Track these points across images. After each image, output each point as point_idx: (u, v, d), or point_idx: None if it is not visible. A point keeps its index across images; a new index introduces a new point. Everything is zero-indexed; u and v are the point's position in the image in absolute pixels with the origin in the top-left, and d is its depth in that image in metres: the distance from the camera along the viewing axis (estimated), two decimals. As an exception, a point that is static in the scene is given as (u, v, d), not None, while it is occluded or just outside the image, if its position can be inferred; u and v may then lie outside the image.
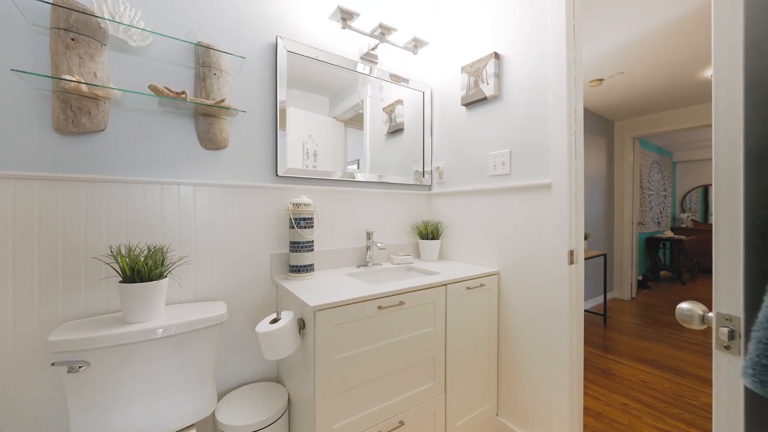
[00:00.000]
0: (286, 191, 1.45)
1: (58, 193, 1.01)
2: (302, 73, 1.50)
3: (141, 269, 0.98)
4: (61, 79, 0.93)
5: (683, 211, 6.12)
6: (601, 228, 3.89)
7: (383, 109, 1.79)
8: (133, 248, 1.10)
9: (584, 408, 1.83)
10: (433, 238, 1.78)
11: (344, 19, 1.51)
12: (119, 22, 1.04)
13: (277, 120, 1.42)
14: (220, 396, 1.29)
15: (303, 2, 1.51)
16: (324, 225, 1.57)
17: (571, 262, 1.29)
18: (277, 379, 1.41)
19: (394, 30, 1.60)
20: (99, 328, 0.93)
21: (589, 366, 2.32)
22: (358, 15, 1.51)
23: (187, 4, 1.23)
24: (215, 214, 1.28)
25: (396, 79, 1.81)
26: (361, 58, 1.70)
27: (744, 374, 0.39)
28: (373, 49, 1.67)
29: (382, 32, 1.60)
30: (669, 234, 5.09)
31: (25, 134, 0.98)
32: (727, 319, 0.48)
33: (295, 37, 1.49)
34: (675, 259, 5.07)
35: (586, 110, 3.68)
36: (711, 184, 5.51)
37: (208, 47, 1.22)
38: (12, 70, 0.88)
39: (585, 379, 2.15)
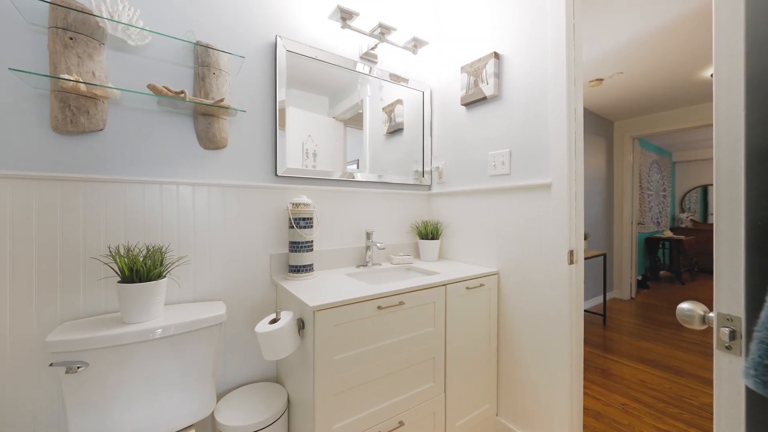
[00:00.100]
0: (286, 191, 1.45)
1: (56, 193, 1.01)
2: (302, 73, 1.50)
3: (140, 269, 0.98)
4: (59, 78, 0.92)
5: (683, 211, 6.12)
6: (600, 228, 3.89)
7: (383, 108, 1.78)
8: (131, 248, 1.10)
9: (584, 408, 1.83)
10: (432, 238, 1.78)
11: (344, 19, 1.51)
12: (118, 21, 1.03)
13: (276, 120, 1.41)
14: (220, 396, 1.29)
15: (302, 2, 1.51)
16: (323, 225, 1.56)
17: (571, 262, 1.29)
18: (277, 380, 1.41)
19: (394, 30, 1.60)
20: (97, 329, 0.93)
21: (589, 366, 2.32)
22: (357, 14, 1.51)
23: (186, 3, 1.23)
24: (214, 214, 1.28)
25: (396, 78, 1.80)
26: (361, 57, 1.69)
27: (746, 375, 0.39)
28: (372, 48, 1.67)
29: (382, 32, 1.60)
30: (668, 234, 5.10)
31: (23, 134, 0.98)
32: (728, 319, 0.48)
33: (294, 36, 1.49)
34: (674, 259, 5.08)
35: (585, 110, 3.68)
36: (710, 184, 5.53)
37: (207, 46, 1.21)
38: (10, 69, 0.88)
39: (585, 379, 2.15)
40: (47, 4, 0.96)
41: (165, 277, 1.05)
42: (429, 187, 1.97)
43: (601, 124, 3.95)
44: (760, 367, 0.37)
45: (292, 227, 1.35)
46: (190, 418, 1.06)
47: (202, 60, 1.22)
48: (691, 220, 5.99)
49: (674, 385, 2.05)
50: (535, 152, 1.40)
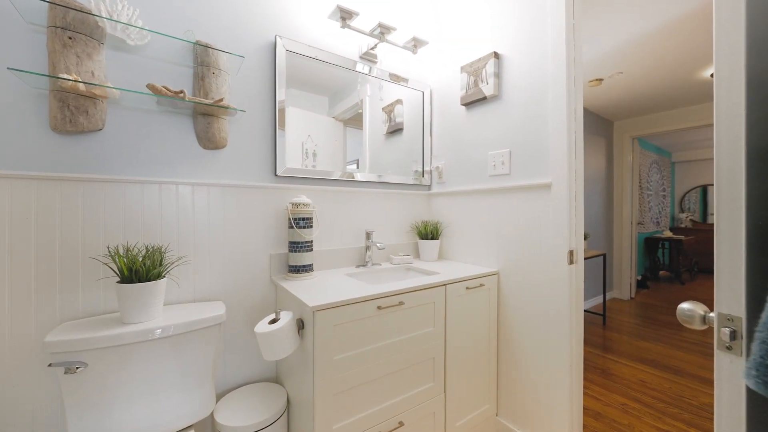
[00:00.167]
0: (285, 191, 1.44)
1: (55, 192, 1.01)
2: (301, 73, 1.49)
3: (139, 269, 0.97)
4: (58, 77, 0.92)
5: (682, 211, 6.13)
6: (600, 228, 3.90)
7: (383, 108, 1.78)
8: (131, 248, 1.09)
9: (584, 408, 1.83)
10: (432, 238, 1.78)
11: (343, 19, 1.51)
12: (117, 21, 1.03)
13: (276, 119, 1.41)
14: (219, 396, 1.28)
15: (302, 1, 1.51)
16: (323, 225, 1.56)
17: (571, 262, 1.29)
18: (276, 380, 1.41)
19: (394, 29, 1.60)
20: (96, 329, 0.93)
21: (589, 366, 2.32)
22: (357, 14, 1.51)
23: (185, 2, 1.22)
24: (214, 214, 1.28)
25: (395, 78, 1.80)
26: (361, 57, 1.69)
27: (747, 375, 0.39)
28: (372, 48, 1.67)
29: (382, 32, 1.59)
30: (668, 234, 5.10)
31: (22, 133, 0.97)
32: (728, 319, 0.48)
33: (294, 36, 1.48)
34: (674, 259, 5.08)
35: (585, 110, 3.68)
36: (710, 185, 5.53)
37: (206, 46, 1.21)
38: (9, 68, 0.88)
39: (584, 379, 2.15)
40: (46, 3, 0.95)
41: (164, 277, 1.05)
42: (429, 187, 1.97)
43: (600, 124, 3.95)
44: (761, 367, 0.37)
45: (291, 227, 1.35)
46: (190, 418, 1.06)
47: (202, 60, 1.22)
48: (690, 220, 5.99)
49: (674, 385, 2.05)
50: (535, 152, 1.40)
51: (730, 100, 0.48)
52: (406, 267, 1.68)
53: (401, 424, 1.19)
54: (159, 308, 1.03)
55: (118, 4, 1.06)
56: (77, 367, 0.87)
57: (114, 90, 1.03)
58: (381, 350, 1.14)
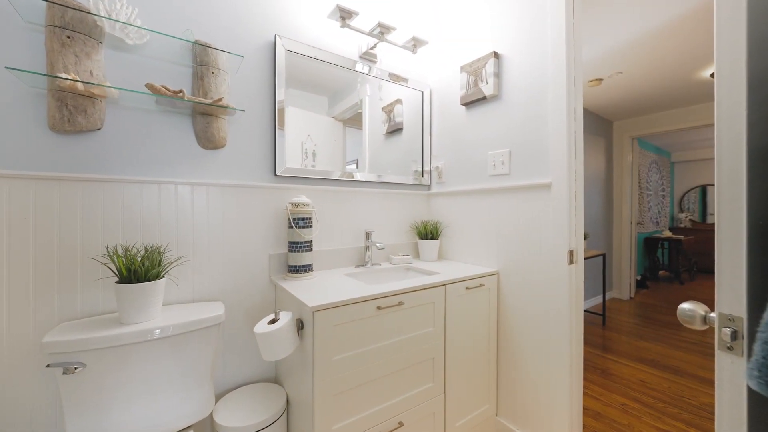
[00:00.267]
0: (285, 191, 1.44)
1: (53, 192, 1.00)
2: (301, 73, 1.49)
3: (138, 269, 0.97)
4: (56, 77, 0.92)
5: (681, 211, 6.13)
6: (599, 228, 3.90)
7: (382, 108, 1.78)
8: (129, 248, 1.09)
9: (584, 408, 1.83)
10: (432, 238, 1.78)
11: (343, 18, 1.50)
12: (116, 20, 1.03)
13: (275, 119, 1.41)
14: (218, 397, 1.28)
15: (302, 1, 1.50)
16: (323, 225, 1.56)
17: (571, 262, 1.29)
18: (276, 380, 1.40)
19: (393, 29, 1.60)
20: (95, 329, 0.92)
21: (589, 366, 2.32)
22: (357, 14, 1.50)
23: (185, 2, 1.22)
24: (213, 214, 1.27)
25: (395, 78, 1.80)
26: (360, 57, 1.69)
27: (749, 376, 0.38)
28: (372, 48, 1.67)
29: (381, 31, 1.59)
30: (667, 234, 5.11)
31: (20, 133, 0.97)
32: (729, 319, 0.48)
33: (293, 35, 1.48)
34: (673, 259, 5.09)
35: (584, 110, 3.68)
36: (709, 185, 5.52)
37: (206, 45, 1.21)
38: (6, 68, 0.87)
39: (584, 379, 2.15)
40: (44, 2, 0.95)
41: (163, 277, 1.04)
42: (428, 186, 1.97)
43: (600, 124, 3.95)
44: (764, 368, 0.37)
45: (291, 227, 1.34)
46: (189, 418, 1.05)
47: (201, 59, 1.21)
48: (690, 220, 6.00)
49: (674, 385, 2.05)
50: (535, 152, 1.39)
51: (731, 99, 0.48)
52: (406, 267, 1.68)
53: (401, 424, 1.19)
54: (158, 308, 1.03)
55: (116, 3, 1.05)
56: (75, 368, 0.86)
57: (113, 89, 1.03)
58: (381, 350, 1.13)
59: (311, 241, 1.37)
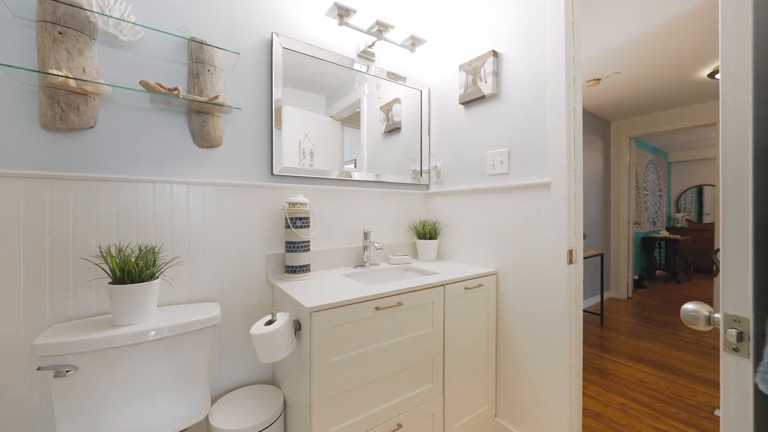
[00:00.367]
0: (282, 190, 1.42)
1: (45, 191, 0.98)
2: (298, 71, 1.47)
3: (131, 270, 0.95)
4: (47, 73, 0.90)
5: (678, 210, 6.16)
6: (597, 228, 3.90)
7: (380, 107, 1.77)
8: (123, 248, 1.07)
9: (582, 408, 1.82)
10: (430, 238, 1.76)
11: (341, 16, 1.49)
12: (109, 16, 1.01)
13: (272, 118, 1.39)
14: (214, 399, 1.26)
15: (299, -2, 1.49)
16: (320, 225, 1.54)
17: (570, 262, 1.28)
18: (273, 382, 1.39)
19: (392, 27, 1.58)
20: (87, 331, 0.90)
21: (587, 366, 2.32)
22: (355, 12, 1.49)
23: (180, -2, 1.20)
24: (209, 214, 1.26)
25: (393, 77, 1.79)
26: (358, 55, 1.68)
27: (762, 379, 0.37)
28: (370, 46, 1.65)
29: (380, 29, 1.58)
30: (665, 234, 5.13)
31: (11, 131, 0.95)
32: (735, 320, 0.47)
33: (290, 33, 1.46)
34: (670, 259, 5.11)
35: (582, 110, 3.69)
36: (706, 185, 5.53)
37: (201, 43, 1.19)
38: (-4, 64, 0.85)
39: (583, 379, 2.14)
40: (35, -3, 0.93)
41: (158, 278, 1.03)
42: (427, 186, 1.96)
43: (598, 124, 3.95)
44: (774, 370, 0.36)
45: (288, 227, 1.33)
46: (184, 421, 1.03)
47: (196, 56, 1.19)
48: (686, 219, 6.03)
49: (672, 385, 2.05)
50: (534, 151, 1.39)
51: (736, 96, 0.47)
52: (404, 267, 1.66)
53: (399, 426, 1.18)
54: (152, 310, 1.01)
55: (110, -2, 1.03)
56: (67, 371, 0.84)
57: (106, 87, 1.01)
58: (379, 352, 1.12)
59: (309, 241, 1.36)
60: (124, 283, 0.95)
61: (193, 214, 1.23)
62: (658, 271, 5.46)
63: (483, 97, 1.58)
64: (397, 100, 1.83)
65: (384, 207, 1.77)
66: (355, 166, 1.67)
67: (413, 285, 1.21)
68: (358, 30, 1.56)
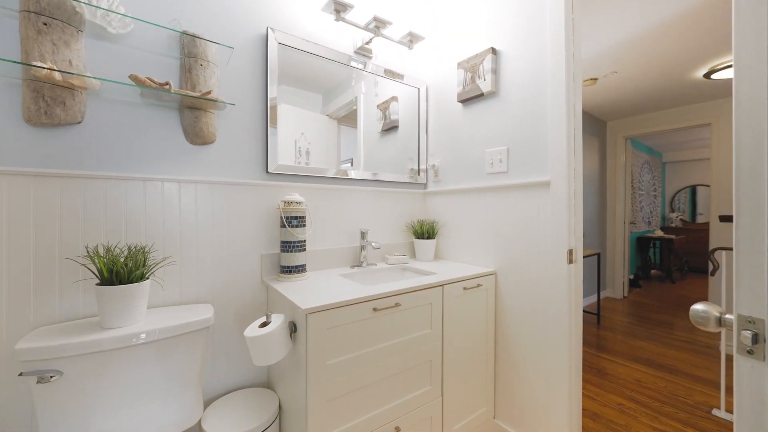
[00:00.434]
0: (277, 189, 1.39)
1: (29, 189, 0.94)
2: (294, 68, 1.44)
3: (120, 270, 0.92)
4: (31, 65, 0.86)
5: (672, 210, 6.21)
6: (594, 227, 3.91)
7: (377, 106, 1.74)
8: (112, 248, 1.03)
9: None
10: (428, 238, 1.74)
11: (338, 11, 1.46)
12: (96, 6, 0.97)
13: (267, 116, 1.36)
14: (207, 403, 1.23)
15: (295, -7, 1.46)
16: (316, 224, 1.51)
17: (571, 261, 1.27)
18: (268, 385, 1.36)
19: (389, 23, 1.56)
20: (73, 335, 0.87)
21: (585, 365, 2.31)
22: (352, 7, 1.46)
23: (172, -10, 1.17)
24: (202, 212, 1.22)
25: (391, 74, 1.76)
26: (355, 52, 1.65)
27: None
28: (367, 43, 1.63)
29: (377, 25, 1.55)
30: (659, 233, 5.16)
31: (-7, 125, 0.91)
32: (749, 321, 0.45)
33: (286, 29, 1.43)
34: (665, 258, 5.14)
35: (579, 110, 3.68)
36: (699, 185, 5.57)
37: (194, 36, 1.15)
38: (-24, 55, 0.81)
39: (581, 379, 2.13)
40: (19, -14, 0.89)
41: (148, 278, 0.99)
42: (425, 185, 1.94)
43: (594, 124, 3.96)
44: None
45: (283, 226, 1.30)
46: (175, 427, 1.00)
47: (189, 50, 1.16)
48: (680, 219, 6.08)
49: (669, 384, 2.05)
50: (534, 150, 1.37)
51: (751, 90, 0.45)
52: (402, 267, 1.64)
53: (398, 429, 1.16)
54: (142, 311, 0.98)
55: (98, -11, 1.00)
56: (51, 376, 0.81)
57: (94, 80, 0.97)
58: (377, 354, 1.10)
59: (304, 241, 1.33)
60: (112, 284, 0.91)
61: (185, 212, 1.19)
62: (652, 271, 5.50)
63: (482, 95, 1.56)
64: (394, 98, 1.80)
65: (381, 206, 1.74)
66: (352, 165, 1.65)
67: (411, 285, 1.19)
68: (355, 26, 1.53)
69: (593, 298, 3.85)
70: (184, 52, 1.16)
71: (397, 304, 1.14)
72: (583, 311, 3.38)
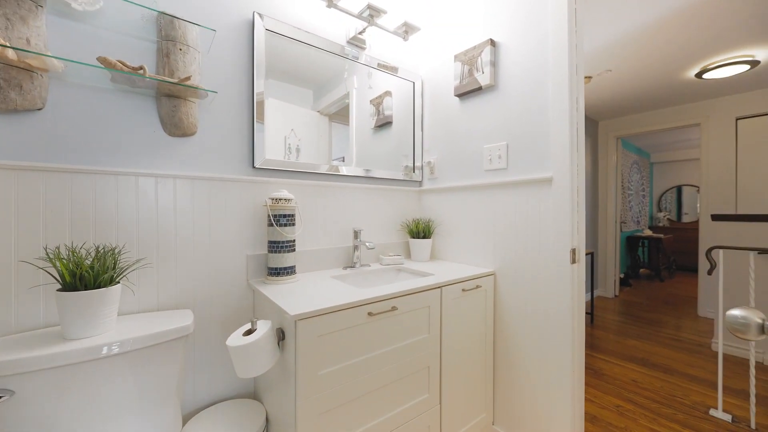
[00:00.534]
0: (264, 185, 1.30)
1: (-21, 182, 0.83)
2: (283, 60, 1.35)
3: (85, 274, 0.82)
4: (-21, 41, 0.76)
5: (660, 210, 6.31)
6: (586, 227, 3.92)
7: (370, 101, 1.66)
8: (76, 249, 0.93)
9: (579, 411, 1.77)
10: (424, 237, 1.68)
11: (329, -3, 1.38)
12: (58, -21, 0.87)
13: (254, 106, 1.27)
14: (188, 417, 1.13)
15: (283, -23, 1.37)
16: (307, 223, 1.43)
17: (574, 261, 1.22)
18: (254, 396, 1.26)
19: (384, 12, 1.48)
20: (28, 348, 0.77)
21: (580, 366, 2.28)
22: (344, -7, 1.38)
23: (147, -33, 1.07)
24: (181, 210, 1.12)
25: (385, 67, 1.69)
26: (348, 42, 1.57)
27: None
28: (361, 33, 1.55)
29: (371, 14, 1.48)
30: (648, 233, 5.22)
31: (-65, 110, 0.80)
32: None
33: (274, 14, 1.34)
34: (653, 257, 5.21)
35: (572, 109, 3.68)
36: (685, 185, 5.66)
37: (173, 17, 1.06)
38: None
39: (577, 380, 2.10)
40: (-35, -48, 0.78)
41: (118, 282, 0.89)
42: (419, 182, 1.87)
43: (586, 124, 3.97)
44: None
45: (271, 225, 1.21)
46: (150, 447, 0.90)
47: (167, 33, 1.06)
48: (668, 219, 6.18)
49: (665, 384, 2.03)
50: (534, 145, 1.32)
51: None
52: (397, 268, 1.57)
53: (394, 441, 1.08)
54: (111, 319, 0.88)
55: (61, -40, 0.89)
56: (0, 396, 0.70)
57: (55, 61, 0.87)
58: (372, 361, 1.02)
59: (294, 241, 1.24)
60: (75, 289, 0.81)
61: (163, 210, 1.09)
62: (641, 270, 5.57)
63: (480, 88, 1.50)
64: (388, 93, 1.73)
65: (374, 204, 1.67)
66: (344, 163, 1.56)
67: (409, 288, 1.12)
68: (348, 13, 1.45)
69: (586, 297, 3.85)
70: (161, 35, 1.06)
71: (393, 308, 1.06)
72: (577, 311, 3.38)
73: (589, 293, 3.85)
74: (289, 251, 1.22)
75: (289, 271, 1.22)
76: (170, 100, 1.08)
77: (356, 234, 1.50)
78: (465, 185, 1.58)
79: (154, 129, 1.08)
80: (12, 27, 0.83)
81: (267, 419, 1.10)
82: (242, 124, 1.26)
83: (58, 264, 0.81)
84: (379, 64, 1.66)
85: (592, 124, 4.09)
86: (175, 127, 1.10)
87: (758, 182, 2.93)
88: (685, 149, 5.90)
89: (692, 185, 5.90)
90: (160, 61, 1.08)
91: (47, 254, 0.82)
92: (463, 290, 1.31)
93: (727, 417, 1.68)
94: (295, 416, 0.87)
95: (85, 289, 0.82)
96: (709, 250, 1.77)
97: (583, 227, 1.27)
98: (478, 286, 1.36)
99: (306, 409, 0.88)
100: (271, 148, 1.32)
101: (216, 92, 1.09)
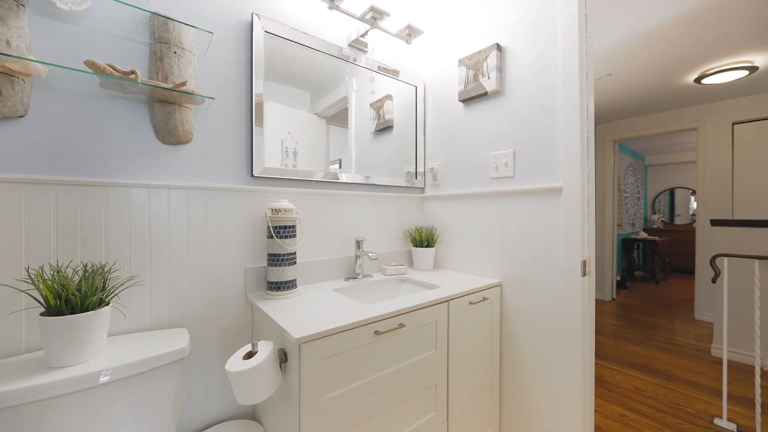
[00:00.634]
0: (263, 194, 1.25)
1: (-46, 197, 0.77)
2: (281, 62, 1.30)
3: (71, 297, 0.75)
4: (-48, 44, 0.69)
5: (654, 212, 6.37)
6: (584, 230, 3.92)
7: (371, 104, 1.61)
8: (61, 269, 0.86)
9: (584, 422, 1.74)
10: (427, 246, 1.63)
11: (331, -1, 1.32)
12: (42, -23, 0.80)
13: (253, 111, 1.21)
14: (183, 441, 1.07)
15: (283, -23, 1.31)
16: (307, 232, 1.37)
17: (584, 274, 1.18)
18: (253, 417, 1.21)
19: (387, 15, 1.44)
20: (7, 378, 0.70)
21: (583, 374, 2.26)
22: (346, -5, 1.33)
23: (139, -35, 1.00)
24: (176, 222, 1.06)
25: (386, 71, 1.64)
26: (350, 45, 1.52)
27: None
28: (363, 35, 1.50)
29: (374, 16, 1.43)
30: (643, 235, 5.26)
31: None
32: None
33: (273, 15, 1.29)
34: (648, 259, 5.25)
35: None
36: (678, 187, 5.70)
37: (166, 18, 1.00)
38: None
39: (580, 388, 2.07)
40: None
41: (108, 303, 0.83)
42: (422, 189, 1.83)
43: (584, 127, 3.97)
44: None
45: (271, 237, 1.15)
46: (142, 479, 0.84)
47: (160, 35, 1.00)
48: (662, 221, 6.24)
49: (669, 392, 2.02)
50: (543, 153, 1.28)
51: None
52: (400, 278, 1.52)
53: (401, 464, 1.03)
54: (100, 343, 0.82)
55: (45, -44, 0.83)
56: (-24, 436, 0.64)
57: (38, 65, 0.80)
58: (378, 382, 0.97)
59: (295, 253, 1.19)
60: (60, 313, 0.75)
61: (157, 223, 1.03)
62: (637, 272, 5.61)
63: (485, 94, 1.46)
64: (389, 97, 1.68)
65: (375, 212, 1.62)
66: (340, 167, 1.51)
67: (416, 303, 1.07)
68: (351, 15, 1.40)
69: (584, 301, 3.85)
70: (154, 37, 1.00)
71: (400, 325, 1.02)
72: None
73: (587, 297, 3.85)
74: (290, 264, 1.17)
75: (290, 285, 1.17)
76: (164, 106, 1.02)
77: (358, 244, 1.44)
78: (469, 193, 1.54)
79: (147, 137, 1.02)
80: (-10, 28, 0.76)
81: (267, 443, 1.04)
82: (240, 130, 1.20)
83: (41, 286, 0.75)
84: (380, 67, 1.62)
85: (590, 127, 4.10)
86: (170, 134, 1.04)
87: (754, 187, 2.94)
88: (678, 152, 5.97)
89: (685, 188, 5.97)
90: (153, 65, 1.01)
91: (29, 275, 0.75)
92: (471, 303, 1.27)
93: (732, 427, 1.67)
94: (300, 445, 0.82)
95: (72, 313, 0.76)
96: (714, 258, 1.76)
97: (593, 238, 1.24)
98: (485, 298, 1.32)
99: (311, 437, 0.83)
100: (269, 153, 1.27)
101: (213, 98, 1.03)
